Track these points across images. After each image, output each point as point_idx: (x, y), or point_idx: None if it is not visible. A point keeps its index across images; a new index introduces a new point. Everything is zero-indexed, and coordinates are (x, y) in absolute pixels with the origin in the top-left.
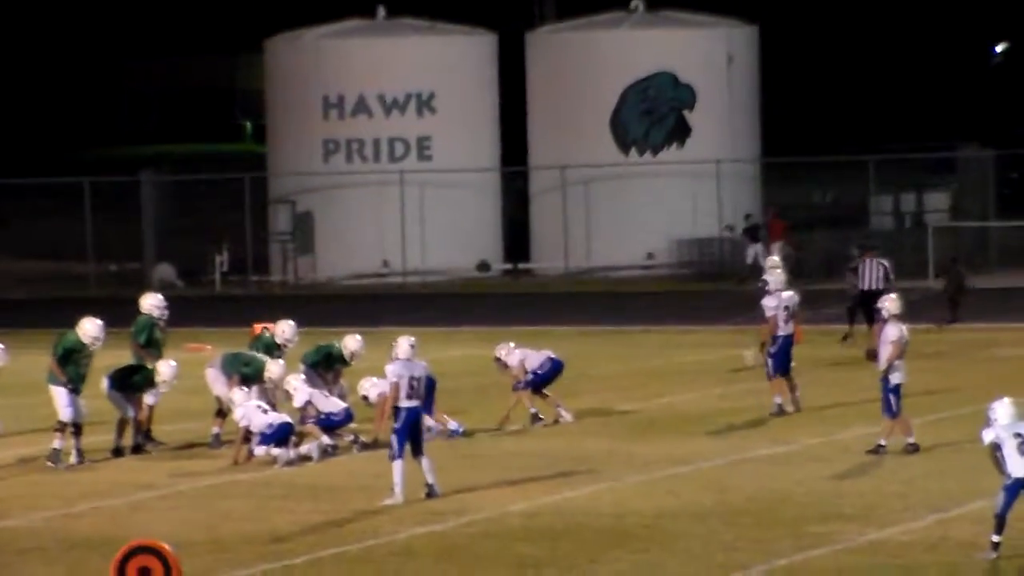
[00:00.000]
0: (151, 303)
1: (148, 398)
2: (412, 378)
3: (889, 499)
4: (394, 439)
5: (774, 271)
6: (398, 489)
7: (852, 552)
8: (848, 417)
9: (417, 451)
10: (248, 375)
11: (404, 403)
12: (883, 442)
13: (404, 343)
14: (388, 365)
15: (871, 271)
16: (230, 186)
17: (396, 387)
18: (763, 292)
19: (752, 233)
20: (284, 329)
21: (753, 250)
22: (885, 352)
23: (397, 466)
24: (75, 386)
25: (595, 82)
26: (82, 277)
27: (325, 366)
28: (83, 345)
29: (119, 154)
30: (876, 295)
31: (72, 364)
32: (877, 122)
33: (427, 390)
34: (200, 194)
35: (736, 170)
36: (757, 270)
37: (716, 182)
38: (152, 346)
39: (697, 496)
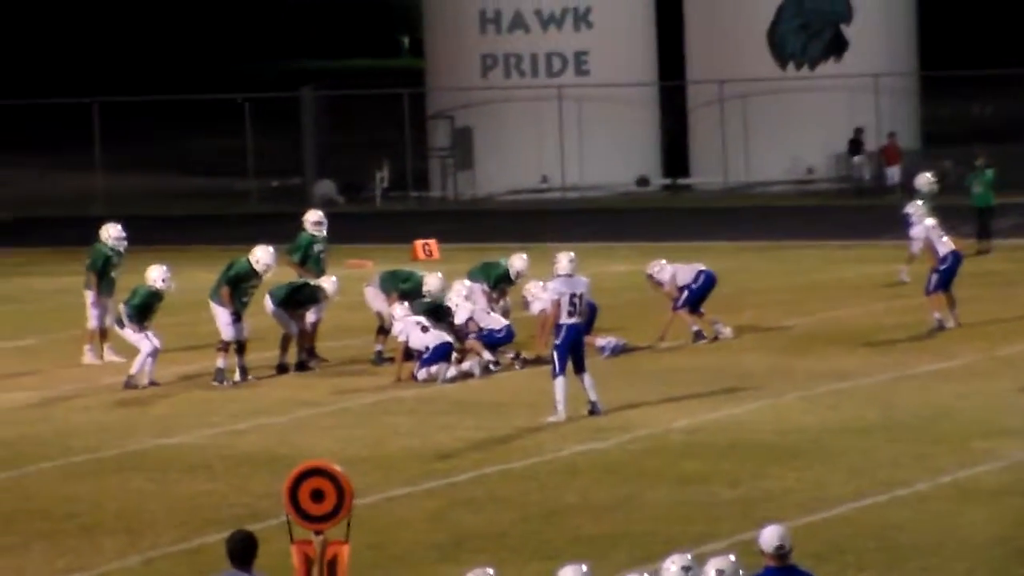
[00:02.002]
0: (309, 220)
1: (311, 315)
2: (573, 295)
3: None
4: (555, 356)
5: (914, 203)
6: (560, 406)
7: (1017, 469)
8: (1010, 333)
9: (579, 368)
10: (407, 291)
11: (565, 320)
12: None
13: (564, 259)
14: (549, 282)
15: None
16: (389, 102)
17: (557, 304)
18: (907, 224)
19: (856, 147)
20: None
21: (860, 161)
22: None
23: (559, 383)
24: (238, 315)
25: None
26: (243, 193)
27: (490, 284)
28: (254, 272)
29: (278, 69)
30: None
31: (239, 292)
32: None
33: (589, 314)
34: (359, 110)
35: (894, 84)
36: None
37: (875, 96)
38: (312, 263)
39: (859, 411)
